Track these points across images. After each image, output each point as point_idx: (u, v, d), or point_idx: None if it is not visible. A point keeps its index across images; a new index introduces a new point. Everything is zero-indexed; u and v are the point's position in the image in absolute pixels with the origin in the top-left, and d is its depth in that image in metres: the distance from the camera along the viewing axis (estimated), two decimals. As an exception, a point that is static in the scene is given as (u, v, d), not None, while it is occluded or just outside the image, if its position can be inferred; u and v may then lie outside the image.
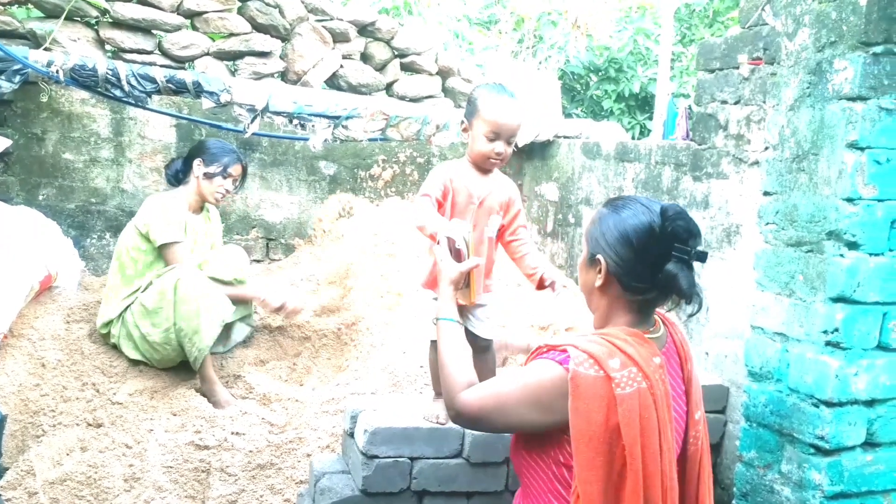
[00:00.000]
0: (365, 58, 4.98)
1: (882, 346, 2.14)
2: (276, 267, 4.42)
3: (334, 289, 3.90)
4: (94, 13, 4.17)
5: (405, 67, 5.14)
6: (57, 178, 4.11)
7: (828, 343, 2.10)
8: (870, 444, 2.18)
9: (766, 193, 2.32)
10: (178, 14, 4.35)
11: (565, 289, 2.24)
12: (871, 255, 2.08)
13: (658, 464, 1.48)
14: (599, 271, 1.59)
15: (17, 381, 3.00)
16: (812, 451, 2.13)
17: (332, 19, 4.78)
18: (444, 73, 5.25)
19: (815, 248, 2.13)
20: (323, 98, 4.10)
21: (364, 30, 4.93)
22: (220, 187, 3.35)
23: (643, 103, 7.93)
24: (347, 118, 4.05)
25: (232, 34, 4.48)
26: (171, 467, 2.72)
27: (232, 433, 2.85)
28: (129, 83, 3.66)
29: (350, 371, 3.26)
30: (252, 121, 3.90)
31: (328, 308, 3.76)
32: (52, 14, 4.10)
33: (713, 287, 2.90)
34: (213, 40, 4.50)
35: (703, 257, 1.53)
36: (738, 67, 2.79)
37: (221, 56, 4.49)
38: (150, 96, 3.78)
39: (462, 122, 2.27)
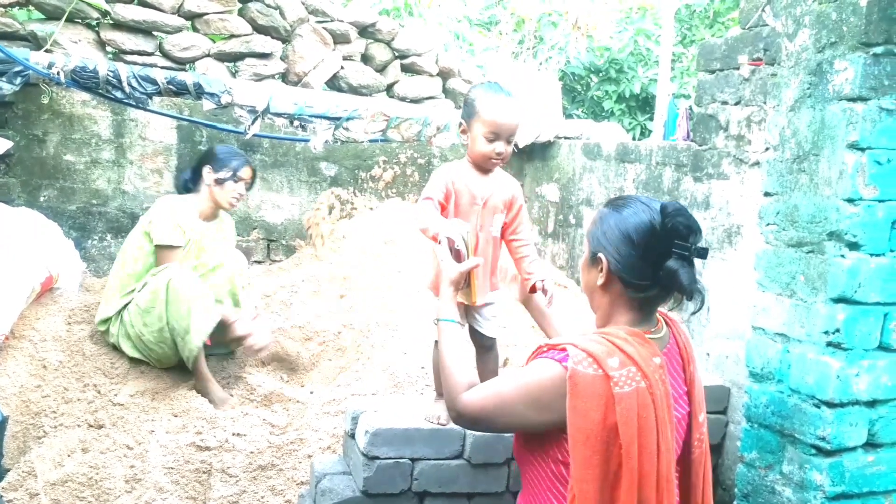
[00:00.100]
0: (365, 59, 4.99)
1: (883, 347, 2.14)
2: (277, 268, 4.42)
3: (335, 290, 3.90)
4: (95, 15, 4.18)
5: (406, 68, 5.15)
6: (58, 179, 4.11)
7: (829, 344, 2.10)
8: (871, 444, 2.17)
9: (766, 194, 2.32)
10: (178, 16, 4.35)
11: (552, 297, 2.24)
12: (871, 255, 2.08)
13: (654, 464, 1.48)
14: (601, 270, 1.59)
15: (19, 382, 3.00)
16: (813, 451, 2.13)
17: (332, 21, 4.78)
18: (444, 75, 5.25)
19: (816, 248, 2.13)
20: (324, 99, 4.10)
21: (365, 31, 4.93)
22: (234, 191, 3.35)
23: (644, 104, 7.93)
24: (348, 119, 4.05)
25: (233, 36, 4.49)
26: (172, 468, 2.73)
27: (233, 434, 2.85)
28: (129, 85, 3.67)
29: (351, 372, 3.26)
30: (253, 122, 3.91)
31: (329, 309, 3.76)
32: (52, 16, 4.10)
33: (714, 288, 2.90)
34: (214, 42, 4.50)
35: (703, 253, 1.53)
36: (738, 68, 2.79)
37: (222, 57, 4.50)
38: (150, 98, 3.79)
39: (460, 124, 2.27)
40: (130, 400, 3.08)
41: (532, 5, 7.86)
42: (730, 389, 2.77)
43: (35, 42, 4.03)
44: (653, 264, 1.53)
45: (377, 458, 2.29)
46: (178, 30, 4.37)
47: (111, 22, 4.22)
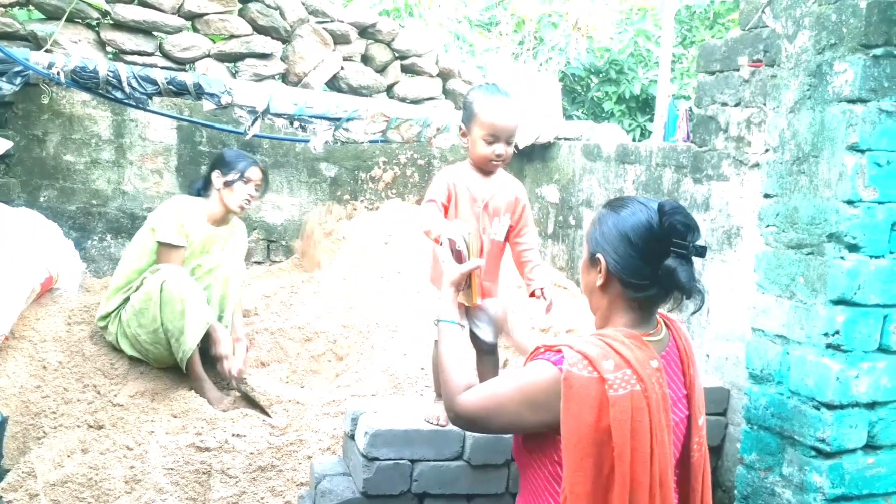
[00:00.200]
0: (366, 60, 4.99)
1: (883, 349, 2.14)
2: (276, 269, 4.42)
3: (335, 290, 3.90)
4: (95, 15, 4.18)
5: (406, 69, 5.15)
6: (58, 179, 4.11)
7: (829, 345, 2.10)
8: (871, 446, 2.17)
9: (766, 196, 2.32)
10: (178, 16, 4.36)
11: (551, 304, 2.25)
12: (871, 257, 2.08)
13: (647, 468, 1.47)
14: (600, 271, 1.59)
15: (18, 382, 3.00)
16: (813, 453, 2.13)
17: (332, 21, 4.78)
18: (444, 75, 5.26)
19: (816, 250, 2.13)
20: (324, 100, 4.10)
21: (365, 32, 4.93)
22: (243, 192, 3.33)
23: (644, 105, 7.93)
24: (348, 120, 4.05)
25: (233, 36, 4.49)
26: (171, 469, 2.72)
27: (233, 435, 2.85)
28: (129, 85, 3.67)
29: (351, 373, 3.26)
30: (253, 123, 3.91)
31: (329, 310, 3.76)
32: (53, 16, 4.10)
33: (714, 289, 2.90)
34: (214, 42, 4.51)
35: (702, 252, 1.53)
36: (738, 69, 2.79)
37: (222, 58, 4.50)
38: (150, 98, 3.79)
39: (460, 127, 2.27)
40: (130, 401, 3.08)
41: (532, 6, 7.86)
42: (729, 391, 2.77)
43: (35, 42, 4.03)
44: (651, 264, 1.52)
45: (377, 459, 2.29)
46: (179, 30, 4.37)
47: (111, 22, 4.22)
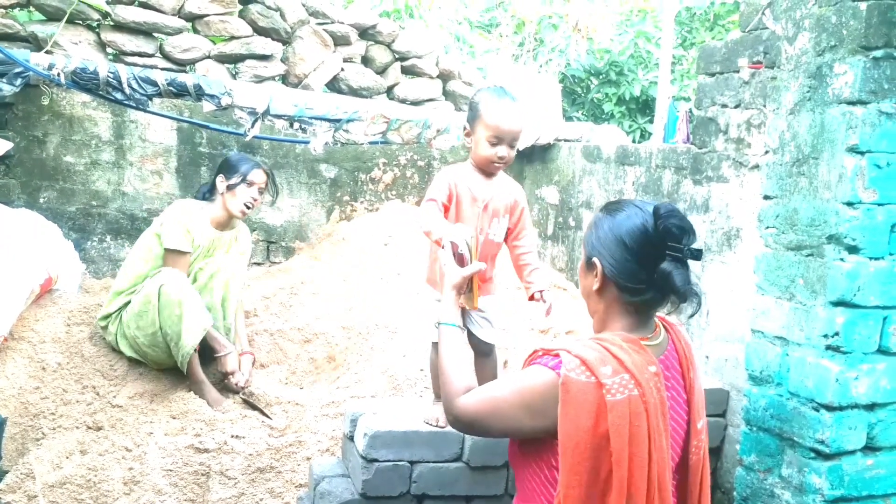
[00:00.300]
0: (366, 61, 4.99)
1: (882, 350, 2.14)
2: (276, 270, 4.42)
3: (334, 291, 3.90)
4: (96, 16, 4.18)
5: (406, 71, 5.15)
6: (58, 180, 4.11)
7: (828, 347, 2.10)
8: (870, 448, 2.17)
9: (766, 197, 2.32)
10: (179, 17, 4.36)
11: (551, 307, 2.25)
12: (871, 259, 2.08)
13: (645, 473, 1.47)
14: (596, 275, 1.59)
15: (17, 383, 3.00)
16: (812, 455, 2.13)
17: (332, 22, 4.79)
18: (444, 77, 5.26)
19: (816, 251, 2.13)
20: (324, 101, 4.11)
21: (365, 33, 4.94)
22: (245, 196, 3.31)
23: (644, 107, 7.93)
24: (348, 121, 4.05)
25: (233, 37, 4.49)
26: (170, 470, 2.72)
27: (231, 436, 2.85)
28: (130, 86, 3.67)
29: (350, 374, 3.26)
30: (253, 124, 3.91)
31: (328, 311, 3.76)
32: (53, 17, 4.11)
33: (713, 291, 2.89)
34: (215, 43, 4.51)
35: (697, 255, 1.52)
36: (738, 71, 2.79)
37: (222, 59, 4.50)
38: (151, 99, 3.79)
39: (464, 126, 2.27)
40: (129, 402, 3.08)
41: (532, 7, 7.86)
42: (729, 393, 2.77)
43: (35, 43, 4.03)
44: (647, 267, 1.52)
45: (376, 460, 2.29)
46: (179, 31, 4.37)
47: (112, 23, 4.22)
